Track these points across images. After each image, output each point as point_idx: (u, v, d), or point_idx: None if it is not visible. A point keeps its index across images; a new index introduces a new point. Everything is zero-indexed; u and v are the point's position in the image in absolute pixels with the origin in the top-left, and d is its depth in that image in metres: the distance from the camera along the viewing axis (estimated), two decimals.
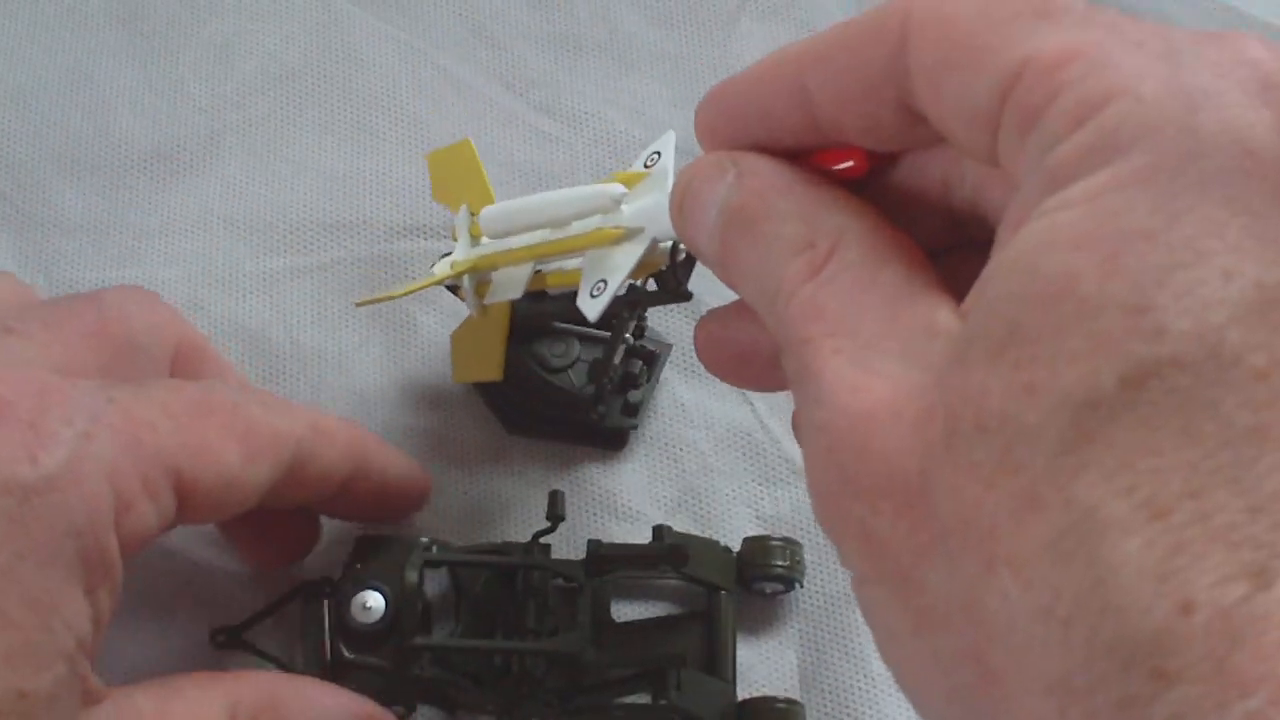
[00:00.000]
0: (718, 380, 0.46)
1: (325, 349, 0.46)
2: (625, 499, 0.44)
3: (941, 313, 0.24)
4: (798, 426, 0.29)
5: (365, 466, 0.38)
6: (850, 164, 0.27)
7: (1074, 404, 0.20)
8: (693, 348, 0.45)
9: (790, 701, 0.40)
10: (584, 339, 0.44)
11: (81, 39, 0.51)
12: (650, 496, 0.44)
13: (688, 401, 0.46)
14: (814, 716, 0.41)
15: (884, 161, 0.28)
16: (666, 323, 0.46)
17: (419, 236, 0.48)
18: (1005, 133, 0.23)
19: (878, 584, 0.23)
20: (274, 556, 0.41)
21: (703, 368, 0.45)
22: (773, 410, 0.46)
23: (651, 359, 0.44)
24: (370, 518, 0.41)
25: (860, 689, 0.42)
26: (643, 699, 0.39)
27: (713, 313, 0.32)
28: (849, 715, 0.41)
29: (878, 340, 0.24)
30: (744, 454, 0.45)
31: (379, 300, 0.42)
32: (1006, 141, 0.23)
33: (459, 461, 0.44)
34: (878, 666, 0.42)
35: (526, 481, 0.44)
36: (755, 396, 0.46)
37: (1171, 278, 0.20)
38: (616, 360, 0.43)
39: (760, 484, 0.44)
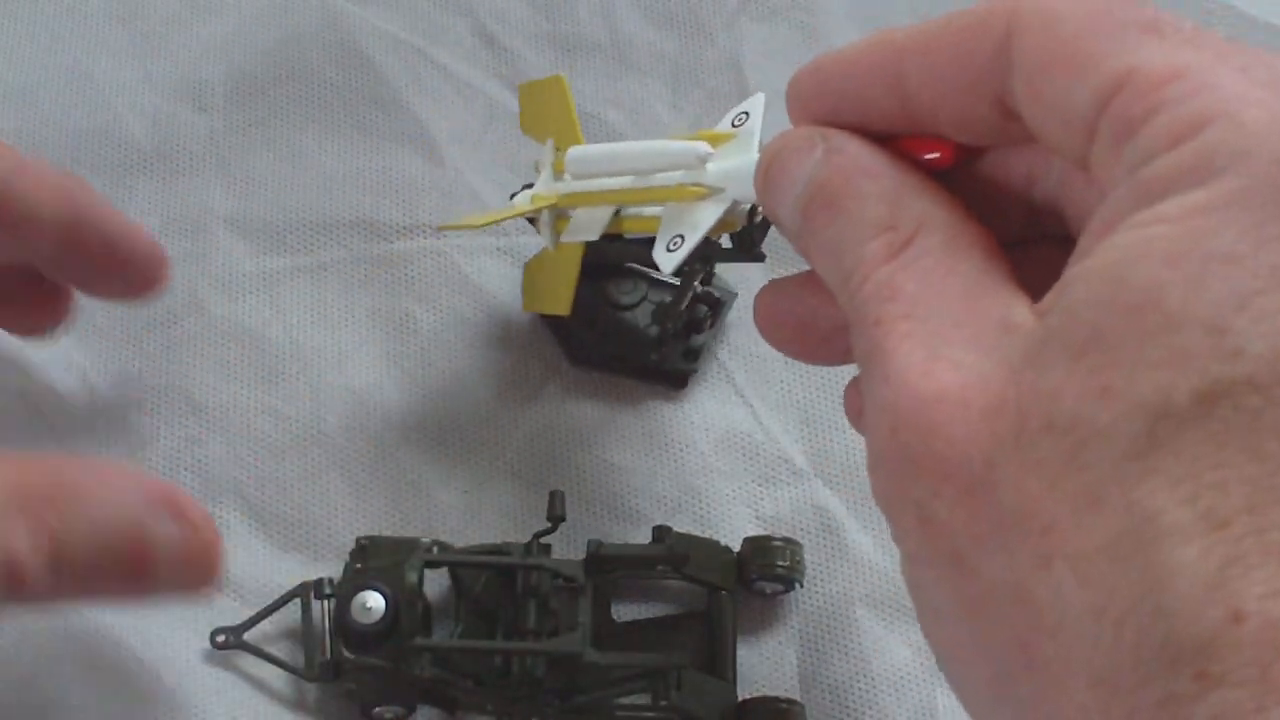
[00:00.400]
0: (719, 381, 0.46)
1: (325, 348, 0.46)
2: (625, 499, 0.44)
3: (1017, 309, 0.24)
4: (850, 403, 0.30)
5: (83, 215, 0.36)
6: (937, 155, 0.27)
7: (1148, 412, 0.21)
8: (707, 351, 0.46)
9: (790, 701, 0.40)
10: (653, 281, 0.45)
11: (81, 38, 0.51)
12: (650, 496, 0.44)
13: (688, 402, 0.46)
14: (814, 716, 0.41)
15: (970, 154, 0.28)
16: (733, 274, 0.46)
17: (419, 235, 0.48)
18: (1101, 140, 0.23)
19: (929, 565, 0.24)
20: (17, 325, 0.39)
21: (703, 368, 0.46)
22: (772, 411, 0.46)
23: (717, 306, 0.45)
24: (103, 288, 0.39)
25: (860, 689, 0.42)
26: (643, 699, 0.39)
27: (774, 283, 0.32)
28: (849, 715, 0.41)
29: (951, 328, 0.24)
30: (744, 454, 0.45)
31: (459, 227, 0.43)
32: (1101, 148, 0.23)
33: (459, 462, 0.44)
34: (878, 666, 0.42)
35: (526, 482, 0.44)
36: (754, 398, 0.46)
37: (1253, 303, 0.20)
38: (683, 306, 0.43)
39: (760, 484, 0.45)
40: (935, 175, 0.27)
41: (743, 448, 0.45)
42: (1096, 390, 0.21)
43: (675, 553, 0.40)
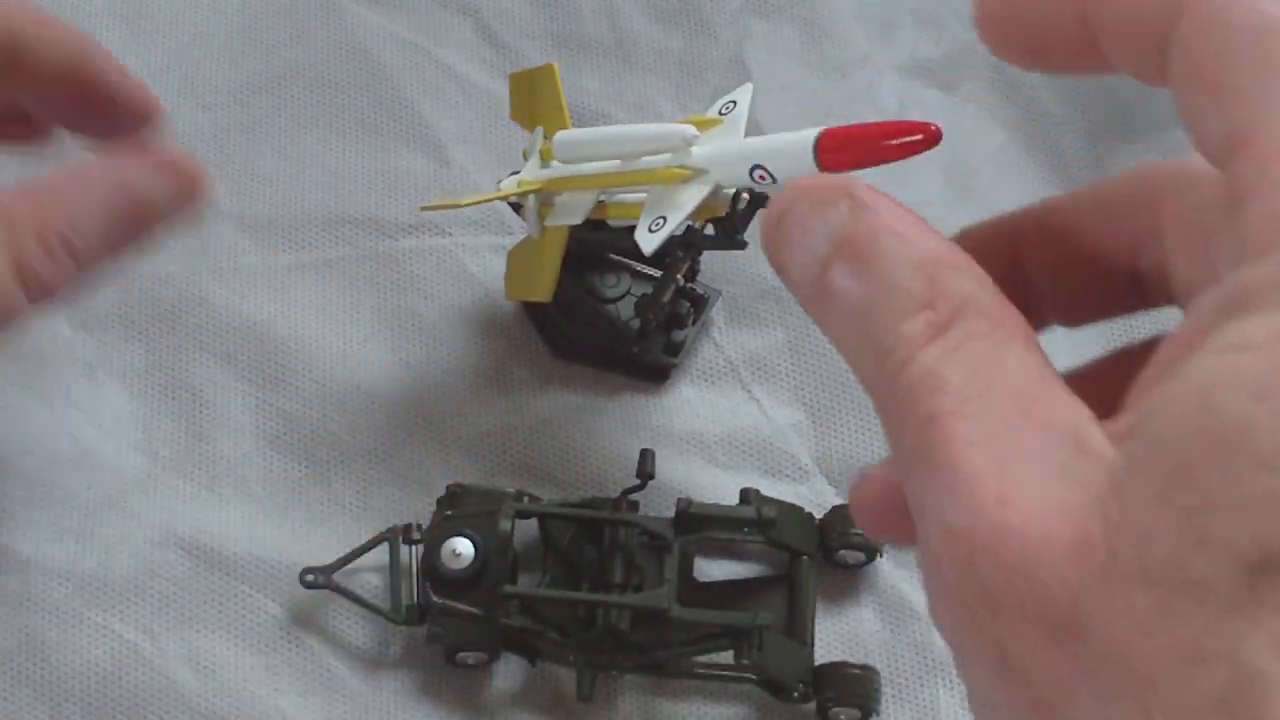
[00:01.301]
0: (723, 377, 0.46)
1: (329, 345, 0.46)
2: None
3: (1087, 426, 0.22)
4: (864, 494, 0.27)
5: (87, 60, 0.37)
6: (919, 138, 0.27)
7: (1246, 564, 0.20)
8: (699, 347, 0.46)
9: (865, 667, 0.40)
10: (637, 275, 0.45)
11: None
12: (656, 488, 0.44)
13: (694, 396, 0.46)
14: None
15: (1068, 216, 0.27)
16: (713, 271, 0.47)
17: (423, 233, 0.48)
18: (1219, 196, 0.21)
19: (1009, 710, 0.22)
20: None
21: (709, 363, 0.46)
22: (779, 408, 0.46)
23: (700, 302, 0.45)
24: (98, 130, 0.39)
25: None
26: (722, 657, 0.40)
27: (864, 476, 0.29)
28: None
29: (1013, 438, 0.22)
30: (750, 449, 0.45)
31: (442, 207, 0.43)
32: (1215, 209, 0.22)
33: (466, 456, 0.44)
34: (883, 669, 0.42)
35: (533, 475, 0.44)
36: (760, 392, 0.46)
37: None
38: (665, 299, 0.43)
39: (766, 477, 0.45)
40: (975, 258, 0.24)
41: (749, 441, 0.45)
42: (1192, 538, 0.20)
43: (763, 516, 0.41)
